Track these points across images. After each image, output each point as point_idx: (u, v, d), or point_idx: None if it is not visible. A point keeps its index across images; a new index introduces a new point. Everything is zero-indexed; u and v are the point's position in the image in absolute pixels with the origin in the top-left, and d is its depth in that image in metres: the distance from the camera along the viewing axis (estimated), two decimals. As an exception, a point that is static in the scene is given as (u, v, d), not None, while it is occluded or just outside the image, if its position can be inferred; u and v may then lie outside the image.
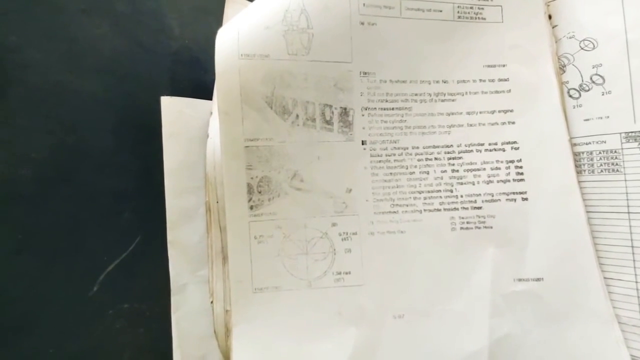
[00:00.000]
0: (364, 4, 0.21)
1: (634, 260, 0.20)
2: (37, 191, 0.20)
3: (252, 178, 0.20)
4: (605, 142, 0.21)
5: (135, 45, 0.24)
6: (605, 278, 0.20)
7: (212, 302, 0.23)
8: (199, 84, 0.27)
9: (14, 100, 0.20)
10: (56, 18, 0.21)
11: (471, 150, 0.22)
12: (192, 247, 0.24)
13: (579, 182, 0.21)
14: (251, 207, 0.20)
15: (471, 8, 0.22)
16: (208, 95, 0.25)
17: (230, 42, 0.20)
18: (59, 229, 0.21)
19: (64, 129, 0.21)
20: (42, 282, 0.20)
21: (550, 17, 0.23)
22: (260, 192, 0.20)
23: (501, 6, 0.22)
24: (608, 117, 0.21)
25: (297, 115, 0.21)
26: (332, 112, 0.21)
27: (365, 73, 0.21)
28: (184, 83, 0.26)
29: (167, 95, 0.24)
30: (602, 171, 0.21)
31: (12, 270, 0.19)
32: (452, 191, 0.22)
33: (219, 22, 0.26)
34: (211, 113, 0.25)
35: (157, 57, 0.25)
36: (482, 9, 0.22)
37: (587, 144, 0.21)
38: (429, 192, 0.22)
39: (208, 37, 0.21)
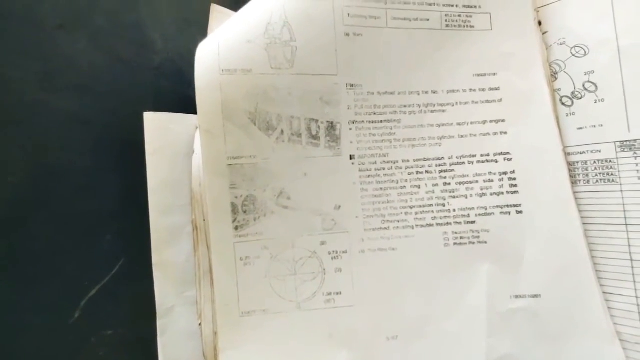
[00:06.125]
0: (348, 15, 0.20)
1: (633, 275, 0.19)
2: (14, 215, 0.19)
3: (236, 197, 0.19)
4: (600, 152, 0.20)
5: (115, 61, 0.24)
6: (604, 293, 0.20)
7: (200, 324, 0.22)
8: (183, 98, 0.26)
9: (-11, 121, 0.19)
10: (31, 34, 0.21)
11: (463, 162, 0.21)
12: (179, 268, 0.23)
13: (575, 192, 0.21)
14: (236, 228, 0.20)
15: (459, 16, 0.22)
16: (193, 110, 0.24)
17: (210, 57, 0.19)
18: (37, 253, 0.20)
19: (42, 150, 0.20)
20: (20, 309, 0.19)
21: (540, 23, 0.22)
22: (245, 212, 0.20)
23: (490, 14, 0.22)
24: (602, 125, 0.20)
25: (282, 131, 0.20)
26: (319, 127, 0.20)
27: (352, 85, 0.21)
28: (168, 98, 0.26)
29: (151, 110, 0.23)
30: (597, 181, 0.20)
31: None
32: (444, 205, 0.21)
33: (203, 34, 0.25)
34: (196, 128, 0.24)
35: (139, 71, 0.25)
36: (471, 17, 0.22)
37: (581, 153, 0.21)
38: (420, 206, 0.21)
39: (192, 50, 0.21)
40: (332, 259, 0.20)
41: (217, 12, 0.26)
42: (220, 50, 0.19)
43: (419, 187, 0.21)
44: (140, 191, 0.23)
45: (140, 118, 0.23)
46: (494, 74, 0.22)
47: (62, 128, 0.21)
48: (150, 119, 0.23)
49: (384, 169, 0.21)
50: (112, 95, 0.23)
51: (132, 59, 0.24)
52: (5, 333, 0.19)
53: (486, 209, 0.21)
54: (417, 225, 0.21)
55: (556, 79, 0.22)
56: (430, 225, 0.21)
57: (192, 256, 0.23)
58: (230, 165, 0.19)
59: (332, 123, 0.21)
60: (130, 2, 0.24)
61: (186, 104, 0.25)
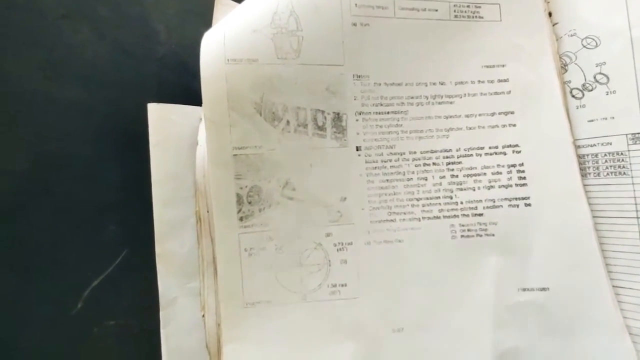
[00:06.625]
0: (355, 4, 0.20)
1: (644, 268, 0.19)
2: (16, 204, 0.19)
3: (241, 188, 0.19)
4: (610, 144, 0.20)
5: (119, 51, 0.23)
6: (614, 287, 0.19)
7: (203, 315, 0.22)
8: (187, 89, 0.26)
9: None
10: (34, 24, 0.21)
11: (471, 155, 0.21)
12: (182, 259, 0.23)
13: (584, 185, 0.20)
14: (241, 219, 0.19)
15: (468, 7, 0.21)
16: (197, 101, 0.24)
17: (216, 46, 0.19)
18: (40, 243, 0.20)
19: (44, 139, 0.20)
20: (22, 300, 0.19)
21: (550, 14, 0.22)
22: (250, 203, 0.19)
23: (499, 4, 0.22)
24: (613, 117, 0.20)
25: (288, 122, 0.20)
26: (325, 118, 0.20)
27: (359, 76, 0.21)
28: (171, 89, 0.25)
29: (154, 101, 0.23)
30: (608, 174, 0.20)
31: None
32: (451, 197, 0.21)
33: (207, 25, 0.25)
34: (200, 119, 0.24)
35: (143, 62, 0.24)
36: (480, 7, 0.21)
37: (591, 145, 0.20)
38: (427, 198, 0.21)
39: (196, 41, 0.21)
40: (337, 250, 0.20)
41: (221, 4, 0.25)
42: (226, 40, 0.19)
43: (425, 179, 0.21)
44: (144, 182, 0.22)
45: (143, 109, 0.23)
46: (503, 66, 0.22)
47: (65, 118, 0.21)
48: (154, 110, 0.23)
49: (390, 160, 0.21)
50: (116, 86, 0.23)
51: (135, 49, 0.24)
52: (8, 323, 0.19)
53: (494, 202, 0.21)
54: (423, 218, 0.21)
55: (566, 70, 0.21)
56: (437, 217, 0.21)
57: (195, 248, 0.23)
58: (235, 155, 0.19)
59: (338, 114, 0.20)
60: (134, -8, 0.24)
61: (190, 95, 0.25)
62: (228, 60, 0.19)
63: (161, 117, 0.23)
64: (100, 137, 0.22)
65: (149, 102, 0.23)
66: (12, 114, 0.19)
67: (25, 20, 0.20)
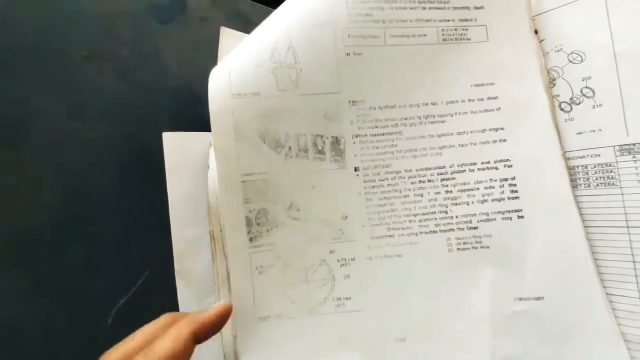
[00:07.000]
0: (349, 36, 0.22)
1: (636, 276, 0.19)
2: (51, 236, 0.21)
3: (250, 211, 0.21)
4: (599, 156, 0.21)
5: (136, 88, 0.26)
6: (608, 295, 0.20)
7: (220, 329, 0.23)
8: (198, 118, 0.28)
9: (27, 151, 0.21)
10: (60, 67, 0.23)
11: (464, 171, 0.22)
12: (200, 276, 0.25)
13: (576, 197, 0.21)
14: (251, 239, 0.21)
15: (455, 30, 0.22)
16: (208, 127, 0.26)
17: (222, 82, 0.21)
18: (73, 269, 0.22)
19: (73, 175, 0.22)
20: (60, 318, 0.21)
21: (536, 32, 0.23)
22: (258, 224, 0.21)
23: (486, 25, 0.23)
24: (601, 130, 0.21)
25: (290, 148, 0.21)
26: (324, 142, 0.22)
27: (354, 102, 0.22)
28: (184, 118, 0.27)
29: (169, 130, 0.25)
30: (598, 185, 0.21)
31: (29, 309, 0.20)
32: (447, 212, 0.22)
33: (214, 56, 0.27)
34: (211, 144, 0.26)
35: (158, 96, 0.26)
36: (467, 30, 0.23)
37: (581, 157, 0.21)
38: (424, 214, 0.22)
39: (205, 73, 0.22)
40: (341, 266, 0.21)
41: (226, 35, 0.28)
42: (231, 76, 0.21)
43: (422, 195, 0.22)
44: (162, 207, 0.24)
45: (160, 139, 0.25)
46: (492, 84, 0.23)
47: (90, 153, 0.23)
48: (169, 138, 0.25)
49: (387, 179, 0.22)
50: (134, 120, 0.25)
51: (151, 85, 0.26)
52: (48, 338, 0.21)
53: (488, 215, 0.22)
54: (421, 233, 0.22)
55: (555, 85, 0.22)
56: (434, 232, 0.22)
57: (211, 265, 0.25)
58: (243, 182, 0.21)
59: (336, 138, 0.22)
60: (148, 33, 0.26)
61: (201, 123, 0.27)
62: (234, 95, 0.21)
63: (176, 145, 0.25)
64: (123, 169, 0.24)
65: (165, 132, 0.25)
66: (46, 153, 0.22)
67: (51, 65, 0.23)
